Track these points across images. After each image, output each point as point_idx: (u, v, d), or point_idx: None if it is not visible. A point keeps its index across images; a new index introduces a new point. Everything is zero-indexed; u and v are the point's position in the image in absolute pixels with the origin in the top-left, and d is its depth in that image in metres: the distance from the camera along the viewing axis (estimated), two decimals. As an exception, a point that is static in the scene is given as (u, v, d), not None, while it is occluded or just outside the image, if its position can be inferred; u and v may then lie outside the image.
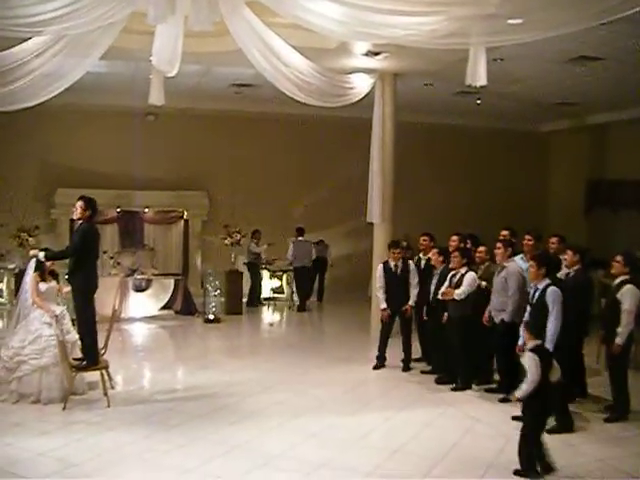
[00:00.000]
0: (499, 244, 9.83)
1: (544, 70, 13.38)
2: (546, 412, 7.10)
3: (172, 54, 9.14)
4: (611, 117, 18.02)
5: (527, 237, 10.69)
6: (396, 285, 11.16)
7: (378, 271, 11.37)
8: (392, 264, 11.17)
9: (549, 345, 7.92)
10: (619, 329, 8.63)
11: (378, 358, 11.35)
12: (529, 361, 6.87)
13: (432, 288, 10.83)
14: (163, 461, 7.34)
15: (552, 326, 8.14)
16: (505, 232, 10.99)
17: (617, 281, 8.94)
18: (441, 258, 10.76)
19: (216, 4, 7.94)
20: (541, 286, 8.37)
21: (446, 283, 10.32)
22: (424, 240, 11.61)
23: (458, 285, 10.09)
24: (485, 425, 8.64)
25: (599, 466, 7.36)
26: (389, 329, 11.35)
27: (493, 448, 7.80)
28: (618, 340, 8.62)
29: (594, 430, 8.54)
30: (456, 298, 10.00)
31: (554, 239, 10.50)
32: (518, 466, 6.92)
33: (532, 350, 6.99)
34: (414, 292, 11.12)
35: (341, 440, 8.05)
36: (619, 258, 8.92)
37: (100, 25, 8.21)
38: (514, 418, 8.43)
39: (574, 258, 9.39)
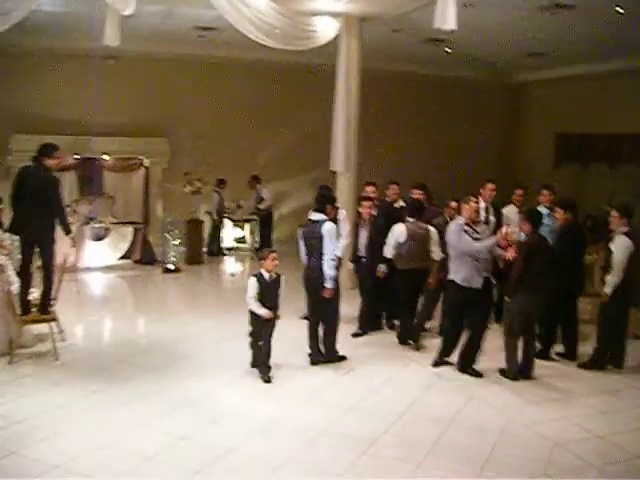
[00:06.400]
0: None
1: (515, 17, 12.98)
2: None
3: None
4: (580, 69, 17.73)
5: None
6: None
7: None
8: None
9: None
10: (608, 277, 8.86)
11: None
12: None
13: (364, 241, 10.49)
14: (112, 416, 7.10)
15: None
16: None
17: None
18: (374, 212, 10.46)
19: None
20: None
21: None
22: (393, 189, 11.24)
23: None
24: (446, 381, 8.49)
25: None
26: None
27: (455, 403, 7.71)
28: (606, 289, 8.82)
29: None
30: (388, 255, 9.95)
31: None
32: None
33: None
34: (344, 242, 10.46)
35: (296, 395, 7.87)
36: (615, 213, 8.98)
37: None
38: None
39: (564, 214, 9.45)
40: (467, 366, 8.73)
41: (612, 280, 8.72)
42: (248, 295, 8.30)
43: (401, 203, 11.07)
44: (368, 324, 10.57)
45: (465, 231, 8.53)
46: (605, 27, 13.21)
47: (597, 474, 6.20)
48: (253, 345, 8.58)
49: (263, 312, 8.25)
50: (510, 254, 8.33)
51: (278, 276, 8.51)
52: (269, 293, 8.38)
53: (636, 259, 8.74)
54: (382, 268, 10.04)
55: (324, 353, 9.15)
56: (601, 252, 10.98)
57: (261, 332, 8.38)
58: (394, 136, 19.33)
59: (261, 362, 8.37)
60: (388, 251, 9.84)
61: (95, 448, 6.33)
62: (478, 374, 8.67)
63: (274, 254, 8.51)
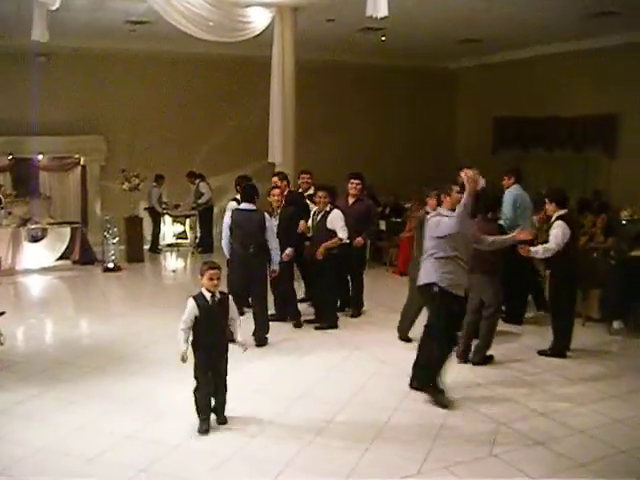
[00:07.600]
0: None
1: (447, 5, 13.05)
2: None
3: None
4: (516, 54, 17.93)
5: None
6: None
7: None
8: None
9: None
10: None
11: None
12: None
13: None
14: (53, 419, 6.94)
15: None
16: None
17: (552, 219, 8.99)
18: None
19: None
20: None
21: None
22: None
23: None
24: (391, 367, 8.51)
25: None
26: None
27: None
28: (534, 250, 8.63)
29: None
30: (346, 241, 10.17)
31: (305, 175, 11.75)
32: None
33: None
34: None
35: (241, 388, 7.74)
36: (548, 201, 9.04)
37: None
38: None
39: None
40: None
41: (544, 250, 8.63)
42: (182, 319, 6.58)
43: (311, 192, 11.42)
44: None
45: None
46: (534, 12, 13.35)
47: (542, 451, 6.27)
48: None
49: (181, 349, 6.49)
50: None
51: (224, 296, 6.73)
52: (212, 318, 6.58)
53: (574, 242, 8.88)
54: (289, 251, 10.10)
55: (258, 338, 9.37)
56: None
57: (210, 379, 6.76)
58: (332, 126, 19.35)
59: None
60: (345, 234, 10.01)
61: (37, 452, 6.18)
62: None
63: (212, 271, 6.56)
